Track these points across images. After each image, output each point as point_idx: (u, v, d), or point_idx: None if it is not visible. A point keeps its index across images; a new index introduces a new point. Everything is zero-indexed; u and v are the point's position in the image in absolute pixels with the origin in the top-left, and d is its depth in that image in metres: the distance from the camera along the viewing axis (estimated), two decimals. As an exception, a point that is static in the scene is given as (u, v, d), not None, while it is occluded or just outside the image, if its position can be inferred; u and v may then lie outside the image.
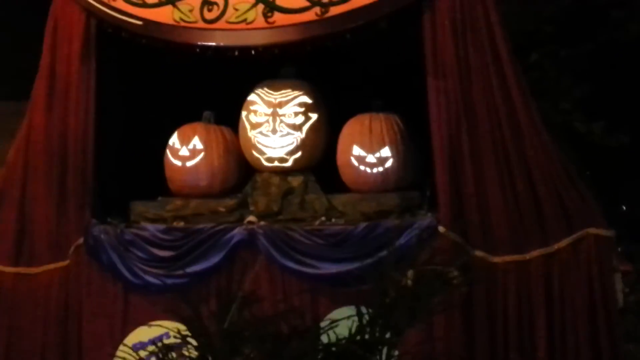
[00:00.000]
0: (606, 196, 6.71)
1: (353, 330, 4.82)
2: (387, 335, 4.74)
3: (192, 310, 5.07)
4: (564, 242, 5.61)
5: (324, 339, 4.87)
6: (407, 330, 4.84)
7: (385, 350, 4.72)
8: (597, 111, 9.43)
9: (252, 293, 5.28)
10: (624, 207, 9.33)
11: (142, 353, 5.80)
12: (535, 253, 5.64)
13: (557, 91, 9.37)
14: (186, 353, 5.01)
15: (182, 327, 5.92)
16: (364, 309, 4.88)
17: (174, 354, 5.18)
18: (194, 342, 4.94)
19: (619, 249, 5.78)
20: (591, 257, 5.57)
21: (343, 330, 4.87)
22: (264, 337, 4.70)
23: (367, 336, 4.70)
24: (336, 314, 5.48)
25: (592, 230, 5.58)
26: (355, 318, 4.86)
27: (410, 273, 4.81)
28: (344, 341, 4.70)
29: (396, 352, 4.92)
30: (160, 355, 5.21)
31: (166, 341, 5.72)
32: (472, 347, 5.65)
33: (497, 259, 5.68)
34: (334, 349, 4.70)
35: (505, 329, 5.65)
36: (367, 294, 5.11)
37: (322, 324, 5.08)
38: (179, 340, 5.13)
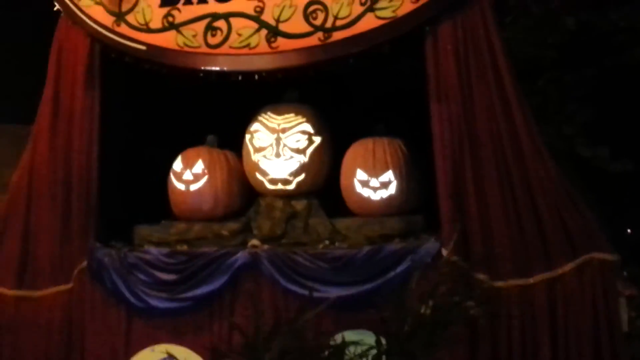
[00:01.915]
0: (611, 220, 6.69)
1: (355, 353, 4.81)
2: None
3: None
4: (567, 267, 5.57)
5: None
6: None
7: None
8: (601, 136, 9.43)
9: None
10: (629, 231, 9.30)
11: (145, 377, 5.88)
12: (538, 277, 5.61)
13: (562, 116, 9.38)
14: None
15: (185, 350, 5.97)
16: (373, 335, 4.86)
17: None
18: None
19: (624, 273, 5.74)
20: (595, 282, 5.52)
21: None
22: None
23: None
24: (340, 337, 5.45)
25: (596, 255, 5.54)
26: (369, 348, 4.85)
27: (429, 302, 4.79)
28: None
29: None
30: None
31: (169, 365, 5.76)
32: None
33: (500, 283, 5.64)
34: None
35: (509, 353, 5.60)
36: (372, 318, 5.11)
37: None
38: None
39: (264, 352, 4.62)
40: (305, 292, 5.73)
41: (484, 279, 5.62)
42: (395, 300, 4.92)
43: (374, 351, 4.75)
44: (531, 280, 5.62)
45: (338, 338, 5.43)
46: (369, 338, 5.04)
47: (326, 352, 4.82)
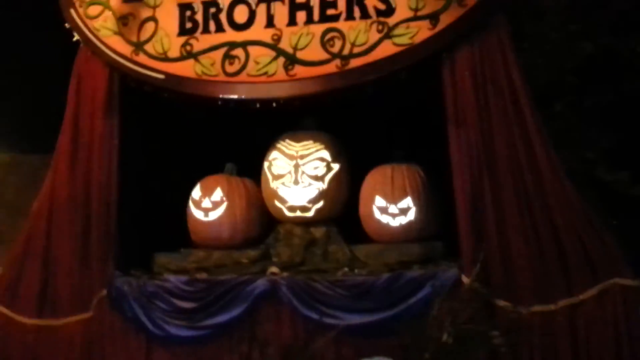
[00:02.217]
0: (633, 245, 6.63)
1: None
2: None
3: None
4: (589, 293, 5.52)
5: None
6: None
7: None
8: (621, 161, 9.40)
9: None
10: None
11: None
12: (560, 304, 5.55)
13: (581, 141, 9.36)
14: None
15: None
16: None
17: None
18: None
19: (648, 299, 5.69)
20: (617, 308, 5.46)
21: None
22: None
23: None
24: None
25: (619, 281, 5.49)
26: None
27: (451, 330, 4.77)
28: None
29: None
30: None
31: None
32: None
33: (521, 309, 5.58)
34: None
35: None
36: (393, 345, 5.08)
37: None
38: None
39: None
40: (325, 320, 5.72)
41: (505, 305, 5.59)
42: (416, 327, 4.90)
43: None
44: (553, 307, 5.57)
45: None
46: (387, 365, 5.02)
47: None
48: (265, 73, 6.22)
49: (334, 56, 6.09)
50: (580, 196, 5.76)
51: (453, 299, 5.39)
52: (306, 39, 6.17)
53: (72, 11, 6.71)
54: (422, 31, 5.94)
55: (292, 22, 6.22)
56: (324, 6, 6.17)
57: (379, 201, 6.20)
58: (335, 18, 6.13)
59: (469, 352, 4.70)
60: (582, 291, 5.54)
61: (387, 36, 6.00)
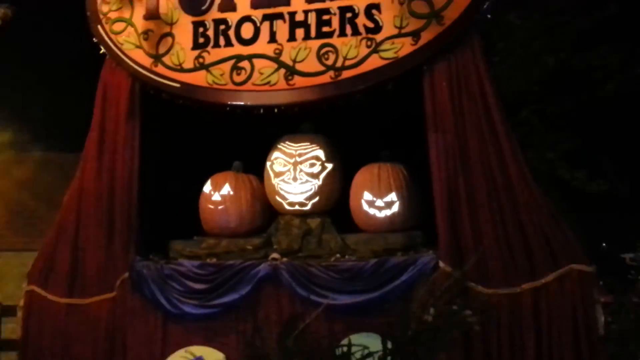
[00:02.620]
0: (588, 235, 6.64)
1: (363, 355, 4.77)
2: None
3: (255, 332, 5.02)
4: (550, 277, 5.53)
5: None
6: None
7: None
8: (580, 161, 9.45)
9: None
10: (604, 245, 9.26)
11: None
12: (525, 286, 5.56)
13: (544, 144, 9.39)
14: None
15: (214, 352, 5.93)
16: (379, 338, 4.81)
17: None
18: None
19: (600, 283, 5.68)
20: (575, 290, 5.48)
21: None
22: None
23: None
24: (352, 339, 5.41)
25: (576, 266, 5.50)
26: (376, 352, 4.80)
27: (432, 310, 4.76)
28: None
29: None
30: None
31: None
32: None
33: (490, 292, 5.59)
34: None
35: (499, 354, 5.54)
36: (380, 323, 5.06)
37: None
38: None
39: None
40: (320, 300, 5.71)
41: (476, 288, 5.59)
42: (400, 307, 4.88)
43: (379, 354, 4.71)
44: (518, 290, 5.57)
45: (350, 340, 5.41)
46: (375, 340, 4.99)
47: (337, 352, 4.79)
48: (268, 82, 6.21)
49: (328, 68, 6.09)
50: (543, 192, 5.76)
51: (433, 282, 5.38)
52: (304, 53, 6.16)
53: (99, 27, 6.71)
54: (405, 46, 5.94)
55: (292, 37, 6.22)
56: (319, 24, 6.17)
57: (367, 196, 6.18)
58: (330, 34, 6.13)
59: (446, 329, 4.68)
60: (544, 276, 5.55)
61: (375, 51, 6.00)
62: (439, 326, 4.71)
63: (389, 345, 4.80)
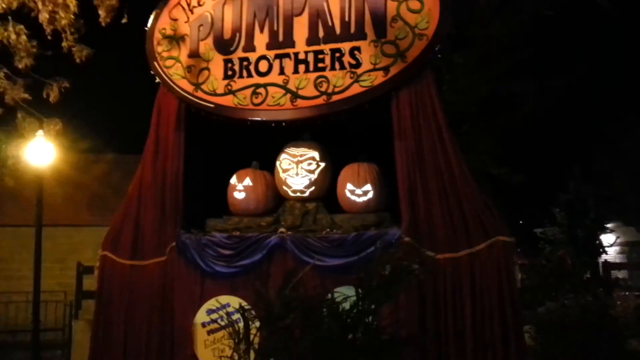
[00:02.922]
0: (510, 215, 6.69)
1: (351, 303, 4.77)
2: (372, 307, 4.70)
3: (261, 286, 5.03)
4: (482, 245, 5.56)
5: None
6: (384, 304, 4.81)
7: (371, 317, 4.69)
8: (504, 161, 9.59)
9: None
10: (521, 222, 9.33)
11: (213, 315, 5.85)
12: (463, 252, 5.59)
13: (479, 149, 9.45)
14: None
15: (237, 299, 5.93)
16: (358, 289, 4.82)
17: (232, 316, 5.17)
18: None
19: (518, 250, 5.72)
20: (500, 255, 5.51)
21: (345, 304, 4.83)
22: (304, 306, 4.66)
23: (360, 307, 4.66)
24: (338, 290, 5.42)
25: (501, 238, 5.54)
26: (351, 296, 4.81)
27: (387, 267, 4.76)
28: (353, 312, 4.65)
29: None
30: (225, 315, 5.22)
31: (228, 309, 5.74)
32: (423, 318, 5.57)
33: (439, 256, 5.63)
34: (344, 316, 4.67)
35: (444, 301, 5.57)
36: (358, 279, 5.06)
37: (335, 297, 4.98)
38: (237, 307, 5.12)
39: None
40: (315, 262, 5.71)
41: (428, 253, 5.62)
42: (367, 266, 4.89)
43: (354, 298, 4.72)
44: (459, 254, 5.60)
45: (338, 290, 5.41)
46: (352, 290, 5.01)
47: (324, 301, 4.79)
48: (278, 104, 6.22)
49: (322, 93, 6.10)
50: (478, 184, 5.78)
51: (394, 249, 5.40)
52: (305, 82, 6.18)
53: (155, 63, 6.71)
54: (378, 78, 5.96)
55: (296, 71, 6.24)
56: (316, 61, 6.19)
57: (350, 186, 6.19)
58: (324, 69, 6.15)
59: (400, 280, 4.67)
60: (477, 244, 5.58)
61: (356, 81, 6.02)
62: (394, 278, 4.69)
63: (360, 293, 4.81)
